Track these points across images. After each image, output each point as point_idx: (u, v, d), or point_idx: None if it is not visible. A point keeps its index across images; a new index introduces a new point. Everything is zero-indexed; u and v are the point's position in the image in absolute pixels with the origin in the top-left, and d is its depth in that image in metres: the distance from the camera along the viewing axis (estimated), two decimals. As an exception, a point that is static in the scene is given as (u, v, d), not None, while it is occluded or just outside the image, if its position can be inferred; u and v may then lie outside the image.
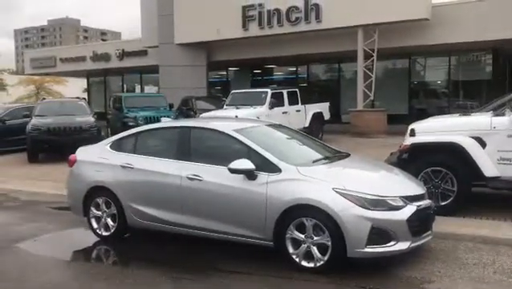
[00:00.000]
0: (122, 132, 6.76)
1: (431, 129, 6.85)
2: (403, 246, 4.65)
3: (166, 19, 21.67)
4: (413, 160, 6.70)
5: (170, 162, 5.63)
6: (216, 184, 5.22)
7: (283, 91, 15.02)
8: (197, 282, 4.78)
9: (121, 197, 5.88)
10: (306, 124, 15.16)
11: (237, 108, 13.84)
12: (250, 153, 5.19)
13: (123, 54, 26.63)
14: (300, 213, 4.77)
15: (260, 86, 19.36)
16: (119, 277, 5.05)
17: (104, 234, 6.11)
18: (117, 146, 6.27)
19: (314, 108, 15.83)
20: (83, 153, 6.57)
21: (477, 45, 17.85)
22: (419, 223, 4.79)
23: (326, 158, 5.57)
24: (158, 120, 15.48)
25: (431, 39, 17.32)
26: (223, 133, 5.54)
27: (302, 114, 15.30)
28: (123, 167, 5.92)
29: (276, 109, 14.12)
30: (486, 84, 19.51)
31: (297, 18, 18.74)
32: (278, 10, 19.07)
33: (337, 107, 20.60)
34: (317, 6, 18.19)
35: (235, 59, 22.23)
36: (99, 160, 6.21)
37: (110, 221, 6.06)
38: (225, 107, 15.00)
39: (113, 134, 15.16)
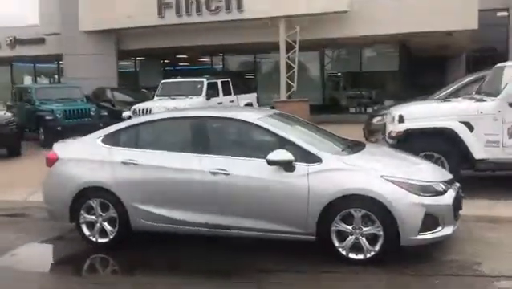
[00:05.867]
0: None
1: (420, 115, 7.01)
2: (448, 230, 4.67)
3: (69, 3, 19.85)
4: (406, 145, 6.79)
5: (185, 156, 5.07)
6: (246, 177, 4.81)
7: (217, 81, 14.64)
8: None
9: (124, 197, 5.17)
10: (240, 115, 14.89)
11: (173, 99, 13.17)
12: (282, 143, 4.85)
13: (15, 42, 23.94)
14: (347, 204, 4.57)
15: (171, 76, 18.73)
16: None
17: (100, 240, 5.33)
18: (111, 140, 5.49)
19: (245, 99, 15.65)
20: (64, 150, 5.66)
21: (387, 38, 18.92)
22: (458, 206, 4.85)
23: (349, 147, 5.37)
24: (79, 114, 14.26)
25: (349, 32, 17.94)
26: (247, 123, 5.12)
27: (235, 104, 15.03)
28: (124, 163, 5.21)
29: (212, 99, 13.72)
30: (392, 75, 20.90)
31: (217, 7, 18.25)
32: (197, -2, 18.41)
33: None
34: (239, -6, 17.90)
35: (147, 47, 21.09)
36: (90, 156, 5.41)
37: (108, 226, 5.30)
38: (156, 97, 14.19)
39: (23, 128, 13.64)
